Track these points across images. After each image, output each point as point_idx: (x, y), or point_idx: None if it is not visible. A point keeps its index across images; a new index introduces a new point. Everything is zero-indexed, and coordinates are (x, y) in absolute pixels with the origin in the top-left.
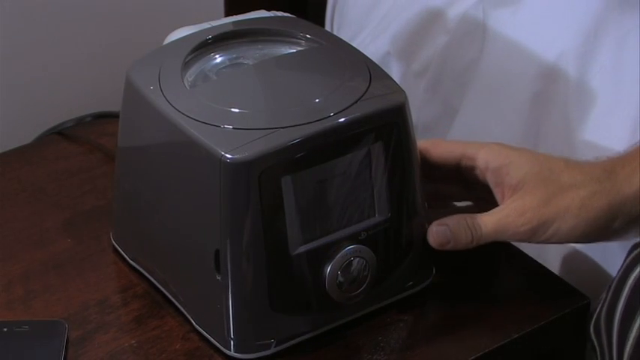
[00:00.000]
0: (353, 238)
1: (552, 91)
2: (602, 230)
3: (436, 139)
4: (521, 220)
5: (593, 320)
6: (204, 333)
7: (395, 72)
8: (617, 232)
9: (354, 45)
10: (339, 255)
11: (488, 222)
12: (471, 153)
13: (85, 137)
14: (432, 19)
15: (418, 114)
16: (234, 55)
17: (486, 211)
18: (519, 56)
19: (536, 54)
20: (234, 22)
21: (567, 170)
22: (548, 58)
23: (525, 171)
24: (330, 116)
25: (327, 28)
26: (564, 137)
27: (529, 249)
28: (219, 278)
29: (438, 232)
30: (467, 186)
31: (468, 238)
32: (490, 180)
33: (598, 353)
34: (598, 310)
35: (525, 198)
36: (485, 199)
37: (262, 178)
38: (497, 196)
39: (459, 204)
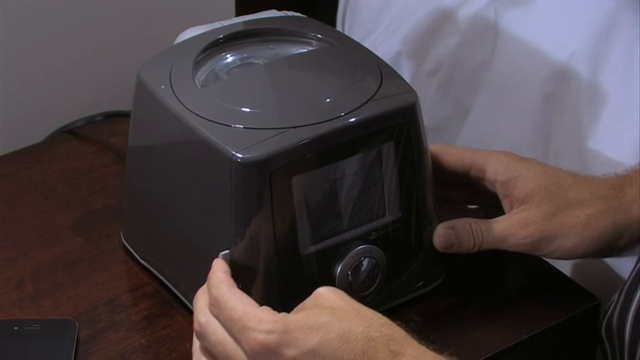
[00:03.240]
0: (363, 238)
1: (564, 91)
2: (606, 248)
3: (445, 145)
4: (523, 233)
5: (604, 322)
6: None
7: (406, 72)
8: (621, 249)
9: (366, 45)
10: (349, 255)
11: (491, 230)
12: (480, 164)
13: (95, 136)
14: (443, 20)
15: (429, 114)
16: (245, 55)
17: (493, 217)
18: (531, 57)
19: (547, 55)
20: (245, 22)
21: (575, 186)
22: (559, 58)
23: (533, 185)
24: (341, 116)
25: (339, 28)
26: (575, 138)
27: None
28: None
29: (445, 235)
30: (475, 192)
31: (471, 243)
32: (499, 191)
33: (609, 355)
34: (610, 311)
35: (530, 211)
36: (492, 205)
37: (273, 178)
38: (506, 207)
39: (467, 207)
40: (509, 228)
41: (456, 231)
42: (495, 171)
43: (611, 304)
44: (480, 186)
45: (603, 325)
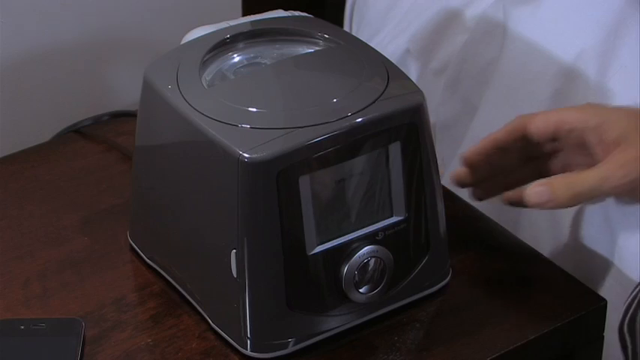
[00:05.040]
0: (370, 238)
1: (572, 89)
2: None
3: (525, 115)
4: (622, 172)
5: (627, 318)
6: (221, 332)
7: (414, 70)
8: None
9: (374, 44)
10: (356, 255)
11: (588, 177)
12: (567, 116)
13: (102, 136)
14: (451, 18)
15: (437, 112)
16: (251, 55)
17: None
18: (539, 54)
19: (556, 52)
20: (251, 22)
21: None
22: (568, 56)
23: (624, 125)
24: (348, 116)
25: (346, 26)
26: None
27: (545, 250)
28: (236, 277)
29: (538, 193)
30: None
31: (568, 194)
32: (589, 140)
33: (630, 352)
34: (633, 308)
35: (627, 151)
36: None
37: (280, 178)
38: (599, 154)
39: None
40: (607, 171)
41: (552, 186)
42: (585, 119)
43: (633, 301)
44: (568, 145)
45: (626, 322)
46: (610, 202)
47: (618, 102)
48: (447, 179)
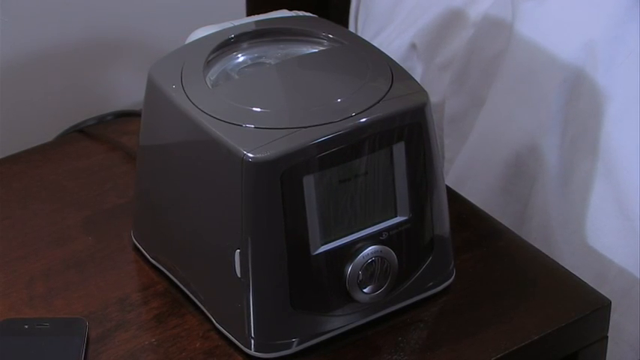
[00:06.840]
0: (374, 238)
1: (580, 78)
2: None
3: None
4: None
5: None
6: (225, 332)
7: (419, 65)
8: None
9: (380, 39)
10: (360, 255)
11: None
12: None
13: (106, 136)
14: (458, 13)
15: (444, 106)
16: (256, 55)
17: None
18: (547, 45)
19: (563, 43)
20: (256, 22)
21: None
22: (575, 46)
23: None
24: (352, 116)
25: (352, 23)
26: (592, 124)
27: (553, 239)
28: (240, 277)
29: None
30: None
31: None
32: None
33: None
34: None
35: None
36: None
37: (284, 178)
38: None
39: None
40: None
41: None
42: None
43: None
44: None
45: None
46: (623, 187)
47: (627, 89)
48: (451, 178)
